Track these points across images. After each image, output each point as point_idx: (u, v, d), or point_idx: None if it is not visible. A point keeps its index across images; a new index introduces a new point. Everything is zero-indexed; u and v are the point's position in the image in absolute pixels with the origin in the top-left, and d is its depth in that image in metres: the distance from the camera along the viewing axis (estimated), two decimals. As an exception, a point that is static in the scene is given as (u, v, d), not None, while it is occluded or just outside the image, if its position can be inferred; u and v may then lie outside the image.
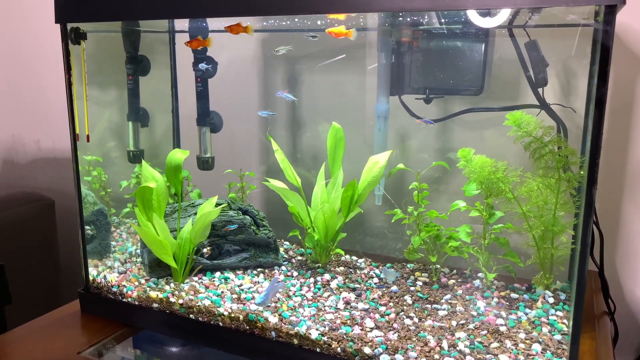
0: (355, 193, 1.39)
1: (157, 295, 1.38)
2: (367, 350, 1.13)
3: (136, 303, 1.40)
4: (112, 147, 1.73)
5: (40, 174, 2.58)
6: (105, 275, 1.49)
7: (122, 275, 1.50)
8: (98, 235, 1.58)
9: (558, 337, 1.17)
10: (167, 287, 1.42)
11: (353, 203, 1.41)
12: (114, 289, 1.44)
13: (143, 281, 1.46)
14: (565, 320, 1.22)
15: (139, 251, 1.63)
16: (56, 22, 1.32)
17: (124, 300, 1.42)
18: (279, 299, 1.35)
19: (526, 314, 1.26)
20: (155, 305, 1.38)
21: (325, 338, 1.18)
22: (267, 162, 1.88)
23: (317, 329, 1.20)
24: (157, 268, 1.46)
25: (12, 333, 1.40)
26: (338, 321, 1.24)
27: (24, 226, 2.21)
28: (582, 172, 1.21)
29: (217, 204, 1.48)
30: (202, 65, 1.47)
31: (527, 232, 1.30)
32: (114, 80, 1.67)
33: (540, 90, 1.35)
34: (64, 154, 2.51)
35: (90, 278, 1.48)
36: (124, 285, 1.44)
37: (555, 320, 1.22)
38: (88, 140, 1.42)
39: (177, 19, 1.38)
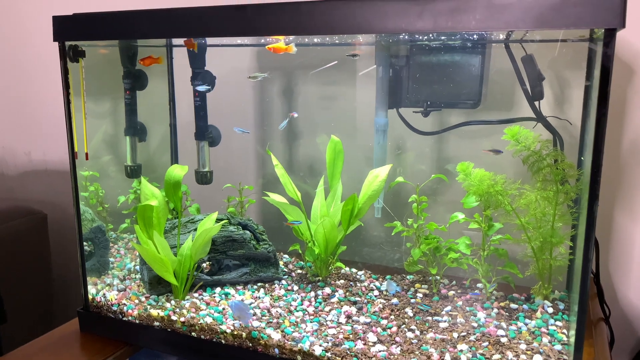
0: (356, 207, 1.40)
1: (158, 313, 1.37)
2: (371, 365, 1.14)
3: (137, 322, 1.40)
4: (109, 161, 1.72)
5: (31, 187, 2.56)
6: (104, 294, 1.48)
7: (121, 293, 1.49)
8: (96, 253, 1.57)
9: (558, 347, 1.18)
10: (167, 305, 1.41)
11: (353, 216, 1.42)
12: (114, 308, 1.43)
13: (143, 299, 1.45)
14: (564, 330, 1.24)
15: (137, 267, 1.62)
16: (54, 40, 1.32)
17: (124, 319, 1.41)
18: (280, 314, 1.35)
19: (526, 324, 1.28)
20: (156, 323, 1.37)
21: (329, 354, 1.18)
22: (263, 175, 1.89)
23: (320, 345, 1.21)
24: (157, 285, 1.46)
25: (10, 356, 1.38)
26: (341, 336, 1.25)
27: (16, 240, 2.18)
28: (579, 185, 1.23)
29: (218, 219, 1.48)
30: (202, 87, 1.48)
31: (525, 243, 1.32)
32: (111, 94, 1.66)
33: (536, 103, 1.37)
34: (55, 166, 2.49)
35: (90, 297, 1.47)
36: (124, 304, 1.43)
37: (555, 330, 1.24)
38: (87, 159, 1.41)
39: (176, 38, 1.38)
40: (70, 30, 1.32)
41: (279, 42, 1.29)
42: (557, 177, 1.24)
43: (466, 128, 1.51)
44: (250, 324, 1.29)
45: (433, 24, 0.94)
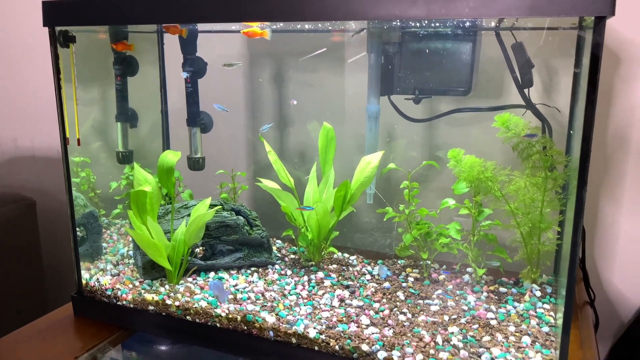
0: (348, 193, 1.42)
1: (153, 297, 1.38)
2: (364, 347, 1.17)
3: (131, 306, 1.41)
4: (100, 147, 1.71)
5: (18, 174, 2.54)
6: (98, 279, 1.49)
7: (115, 278, 1.49)
8: (89, 238, 1.57)
9: (546, 329, 1.22)
10: (162, 289, 1.43)
11: (346, 202, 1.44)
12: (108, 292, 1.44)
13: (137, 283, 1.46)
14: (552, 313, 1.28)
15: (131, 252, 1.62)
16: (44, 25, 1.31)
17: (119, 303, 1.42)
18: (275, 298, 1.37)
19: (515, 307, 1.31)
20: (151, 307, 1.38)
21: (323, 336, 1.21)
22: (255, 161, 1.89)
23: (314, 328, 1.23)
24: (151, 270, 1.47)
25: (3, 340, 1.39)
26: (334, 319, 1.27)
27: (4, 227, 2.17)
28: (567, 172, 1.26)
29: (211, 205, 1.48)
30: (184, 74, 1.49)
31: (514, 229, 1.35)
32: (101, 80, 1.65)
33: (525, 90, 1.39)
34: (43, 152, 2.47)
35: (83, 282, 1.48)
36: (118, 288, 1.44)
37: (542, 313, 1.28)
38: (79, 144, 1.41)
39: (168, 23, 1.37)
40: (61, 16, 1.30)
41: (254, 27, 1.30)
42: (546, 163, 1.27)
43: (456, 115, 1.53)
44: (226, 303, 1.32)
45: (427, 11, 0.96)
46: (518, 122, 1.26)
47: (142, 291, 1.42)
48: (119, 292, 1.43)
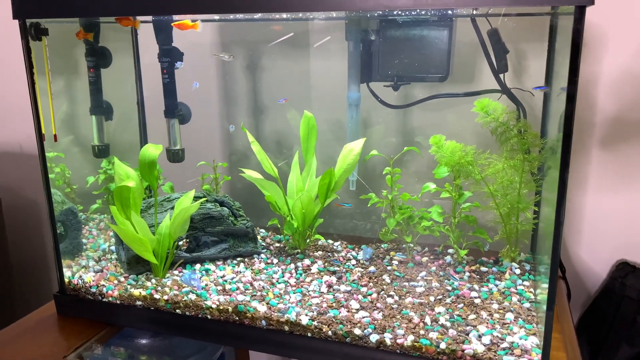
0: (333, 180, 1.44)
1: (140, 292, 1.37)
2: (357, 331, 1.20)
3: (118, 302, 1.40)
4: (72, 142, 1.67)
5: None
6: (81, 276, 1.46)
7: (99, 274, 1.47)
8: (69, 235, 1.54)
9: (527, 305, 1.28)
10: (148, 284, 1.42)
11: (330, 190, 1.45)
12: (93, 290, 1.42)
13: (122, 279, 1.45)
14: (532, 289, 1.34)
15: (112, 248, 1.60)
16: (14, 17, 1.26)
17: (105, 300, 1.41)
18: (263, 287, 1.38)
19: (496, 285, 1.37)
20: (138, 302, 1.37)
21: (315, 323, 1.23)
22: (231, 151, 1.88)
23: (306, 315, 1.25)
24: (136, 265, 1.45)
25: (-14, 343, 1.36)
26: (324, 305, 1.29)
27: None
28: (544, 154, 1.31)
29: (195, 197, 1.48)
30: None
31: (493, 210, 1.40)
32: (74, 72, 1.61)
33: (501, 75, 1.43)
34: (8, 148, 2.38)
35: (66, 280, 1.45)
36: (103, 285, 1.42)
37: (523, 290, 1.34)
38: (55, 140, 1.37)
39: (144, 16, 1.34)
40: (32, 7, 1.26)
41: (185, 20, 1.30)
42: (523, 146, 1.31)
43: (431, 100, 1.55)
44: (200, 289, 1.35)
45: (414, 1, 0.97)
46: (497, 107, 1.30)
47: (128, 287, 1.41)
48: (104, 289, 1.41)
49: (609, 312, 1.70)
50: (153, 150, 1.39)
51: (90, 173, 1.68)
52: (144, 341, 1.51)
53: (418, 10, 1.36)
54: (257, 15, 1.54)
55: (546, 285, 1.21)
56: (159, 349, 1.52)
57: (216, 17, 1.61)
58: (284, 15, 1.52)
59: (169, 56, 1.53)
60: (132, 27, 1.47)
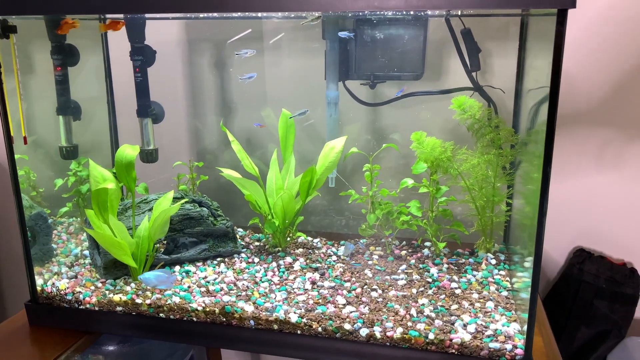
0: (314, 178, 1.44)
1: (120, 297, 1.34)
2: (347, 326, 1.22)
3: (96, 309, 1.35)
4: (35, 143, 1.59)
5: None
6: (54, 283, 1.41)
7: (73, 280, 1.42)
8: (38, 241, 1.47)
9: (505, 293, 1.34)
10: (127, 288, 1.38)
11: (312, 188, 1.46)
12: (69, 297, 1.37)
13: (99, 284, 1.40)
14: (508, 278, 1.40)
15: (85, 252, 1.55)
16: (-20, 13, 1.19)
17: (82, 307, 1.36)
18: (247, 287, 1.38)
19: (474, 275, 1.42)
20: (119, 308, 1.34)
21: (304, 320, 1.24)
22: (198, 150, 1.85)
23: (294, 312, 1.26)
24: (112, 269, 1.41)
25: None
26: (311, 301, 1.31)
27: None
28: (518, 149, 1.38)
29: (174, 199, 1.45)
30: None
31: (469, 203, 1.46)
32: (38, 70, 1.53)
33: (473, 74, 1.49)
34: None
35: (38, 288, 1.39)
36: (79, 292, 1.37)
37: (499, 279, 1.40)
38: (25, 143, 1.31)
39: (116, 14, 1.30)
40: (-1, 3, 1.19)
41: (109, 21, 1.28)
42: (498, 142, 1.37)
43: (404, 98, 1.59)
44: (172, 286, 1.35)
45: (405, 3, 0.99)
46: (473, 105, 1.34)
47: (107, 292, 1.37)
48: (81, 296, 1.36)
49: (568, 296, 1.79)
50: (130, 151, 1.35)
51: (57, 175, 1.61)
52: (111, 348, 1.48)
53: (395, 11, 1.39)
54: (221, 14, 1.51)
55: (522, 274, 1.27)
56: (130, 355, 1.49)
57: (192, 15, 1.58)
58: (258, 14, 1.51)
59: (142, 54, 1.49)
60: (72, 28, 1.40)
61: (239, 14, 1.48)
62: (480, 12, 1.37)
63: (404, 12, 1.41)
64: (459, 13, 1.42)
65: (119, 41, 1.50)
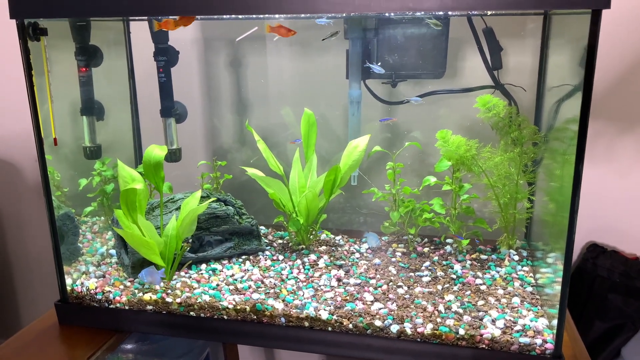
0: (338, 177, 1.46)
1: (150, 297, 1.35)
2: (377, 323, 1.23)
3: (127, 308, 1.37)
4: (61, 143, 1.60)
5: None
6: (83, 282, 1.42)
7: (102, 280, 1.44)
8: (66, 240, 1.48)
9: (529, 289, 1.36)
10: (157, 287, 1.39)
11: (335, 186, 1.48)
12: (99, 296, 1.38)
13: (128, 284, 1.42)
14: (531, 274, 1.42)
15: (111, 251, 1.56)
16: (11, 17, 1.20)
17: (112, 306, 1.37)
18: (275, 284, 1.39)
19: (498, 272, 1.44)
20: (149, 307, 1.35)
21: (335, 317, 1.26)
22: (216, 148, 1.86)
23: (325, 309, 1.27)
24: (140, 268, 1.42)
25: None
26: (339, 298, 1.32)
27: None
28: (541, 146, 1.39)
29: (201, 198, 1.46)
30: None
31: (488, 201, 1.47)
32: (62, 71, 1.54)
33: (495, 72, 1.50)
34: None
35: (68, 288, 1.41)
36: (109, 291, 1.39)
37: (523, 275, 1.42)
38: (55, 144, 1.32)
39: (148, 17, 1.30)
40: (30, 7, 1.20)
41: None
42: (521, 140, 1.39)
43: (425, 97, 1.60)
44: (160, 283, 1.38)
45: (439, 4, 1.01)
46: (498, 104, 1.36)
47: (136, 291, 1.38)
48: (111, 295, 1.38)
49: (583, 290, 1.82)
50: (158, 151, 1.37)
51: (81, 175, 1.62)
52: (129, 346, 1.49)
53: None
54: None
55: (546, 270, 1.29)
56: (148, 352, 1.51)
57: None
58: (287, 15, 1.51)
59: (165, 55, 1.50)
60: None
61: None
62: (510, 12, 1.38)
63: (428, 12, 1.42)
64: (483, 12, 1.43)
65: (142, 42, 1.50)
